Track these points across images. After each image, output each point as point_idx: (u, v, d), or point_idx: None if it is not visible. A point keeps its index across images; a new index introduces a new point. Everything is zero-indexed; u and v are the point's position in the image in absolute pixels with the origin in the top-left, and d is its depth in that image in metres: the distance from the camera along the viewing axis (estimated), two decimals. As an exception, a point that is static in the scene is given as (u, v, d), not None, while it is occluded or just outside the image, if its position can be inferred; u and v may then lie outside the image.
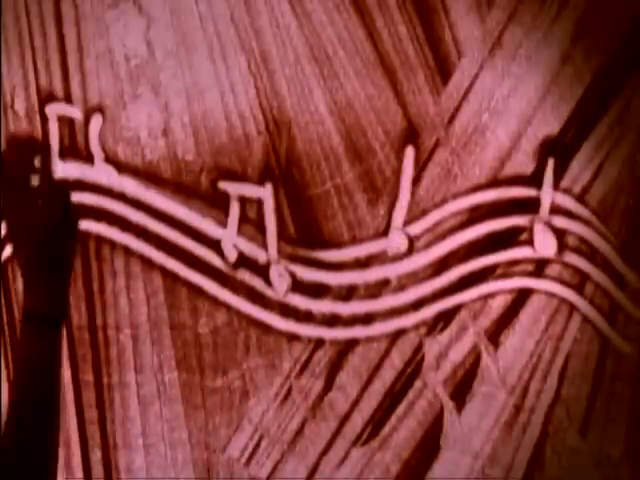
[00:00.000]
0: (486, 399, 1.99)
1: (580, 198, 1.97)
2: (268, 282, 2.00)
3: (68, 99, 2.00)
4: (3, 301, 2.02)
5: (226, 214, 2.00)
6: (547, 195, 1.97)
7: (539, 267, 1.98)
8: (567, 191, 1.97)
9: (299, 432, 2.01)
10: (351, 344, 2.00)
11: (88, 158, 2.01)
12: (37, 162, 1.33)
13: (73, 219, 1.33)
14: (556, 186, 1.97)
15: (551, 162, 1.97)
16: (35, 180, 1.34)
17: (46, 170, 1.32)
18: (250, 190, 2.00)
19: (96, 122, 2.00)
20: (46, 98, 2.00)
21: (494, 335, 1.99)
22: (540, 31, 1.96)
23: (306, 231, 1.99)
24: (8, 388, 2.00)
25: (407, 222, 1.99)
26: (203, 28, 1.98)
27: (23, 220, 1.28)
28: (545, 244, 1.97)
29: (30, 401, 1.19)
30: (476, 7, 1.96)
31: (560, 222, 1.97)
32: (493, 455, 1.99)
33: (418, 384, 1.98)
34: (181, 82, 1.99)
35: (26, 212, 1.30)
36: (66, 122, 2.01)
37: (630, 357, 1.98)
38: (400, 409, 1.98)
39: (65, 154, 2.00)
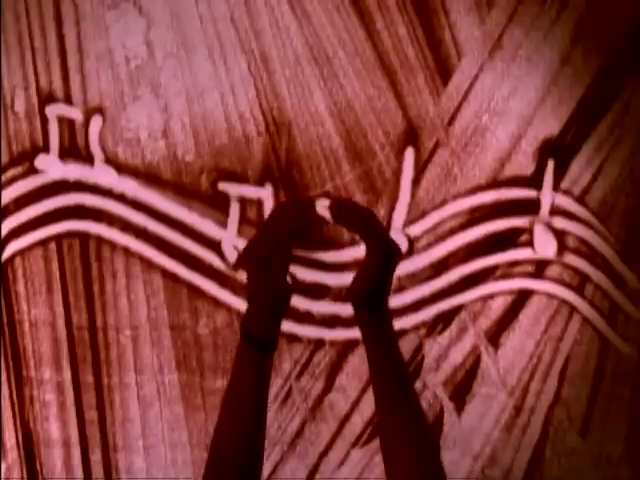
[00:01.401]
0: (486, 400, 1.99)
1: (580, 199, 1.97)
2: (268, 283, 1.99)
3: (68, 100, 2.00)
4: (3, 301, 2.02)
5: (226, 215, 2.00)
6: (547, 196, 1.97)
7: (539, 268, 1.98)
8: (567, 192, 1.98)
9: (299, 433, 2.01)
10: (351, 345, 2.00)
11: (88, 159, 2.00)
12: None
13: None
14: (556, 187, 1.97)
15: (551, 163, 1.97)
16: None
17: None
18: (250, 191, 2.00)
19: (96, 123, 2.00)
20: (46, 99, 2.00)
21: (494, 336, 1.99)
22: (540, 32, 1.96)
23: (306, 232, 1.99)
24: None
25: (407, 223, 1.99)
26: (203, 29, 1.98)
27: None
28: (545, 245, 1.97)
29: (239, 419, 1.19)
30: (476, 8, 1.96)
31: (560, 223, 1.98)
32: (493, 456, 1.99)
33: (418, 385, 1.98)
34: (181, 83, 1.98)
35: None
36: (66, 123, 2.01)
37: (630, 358, 1.99)
38: (400, 410, 1.98)
39: (65, 155, 2.00)
